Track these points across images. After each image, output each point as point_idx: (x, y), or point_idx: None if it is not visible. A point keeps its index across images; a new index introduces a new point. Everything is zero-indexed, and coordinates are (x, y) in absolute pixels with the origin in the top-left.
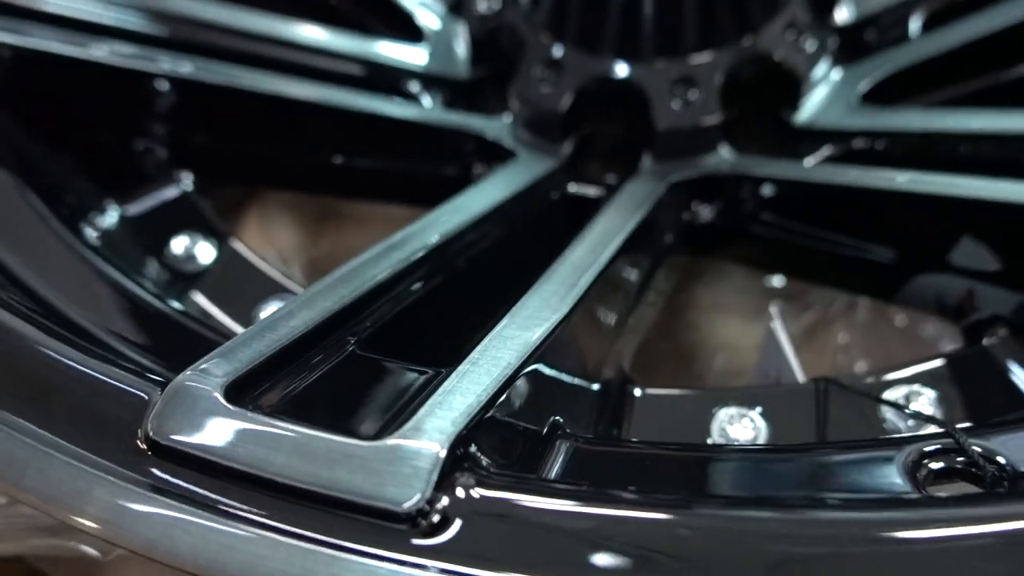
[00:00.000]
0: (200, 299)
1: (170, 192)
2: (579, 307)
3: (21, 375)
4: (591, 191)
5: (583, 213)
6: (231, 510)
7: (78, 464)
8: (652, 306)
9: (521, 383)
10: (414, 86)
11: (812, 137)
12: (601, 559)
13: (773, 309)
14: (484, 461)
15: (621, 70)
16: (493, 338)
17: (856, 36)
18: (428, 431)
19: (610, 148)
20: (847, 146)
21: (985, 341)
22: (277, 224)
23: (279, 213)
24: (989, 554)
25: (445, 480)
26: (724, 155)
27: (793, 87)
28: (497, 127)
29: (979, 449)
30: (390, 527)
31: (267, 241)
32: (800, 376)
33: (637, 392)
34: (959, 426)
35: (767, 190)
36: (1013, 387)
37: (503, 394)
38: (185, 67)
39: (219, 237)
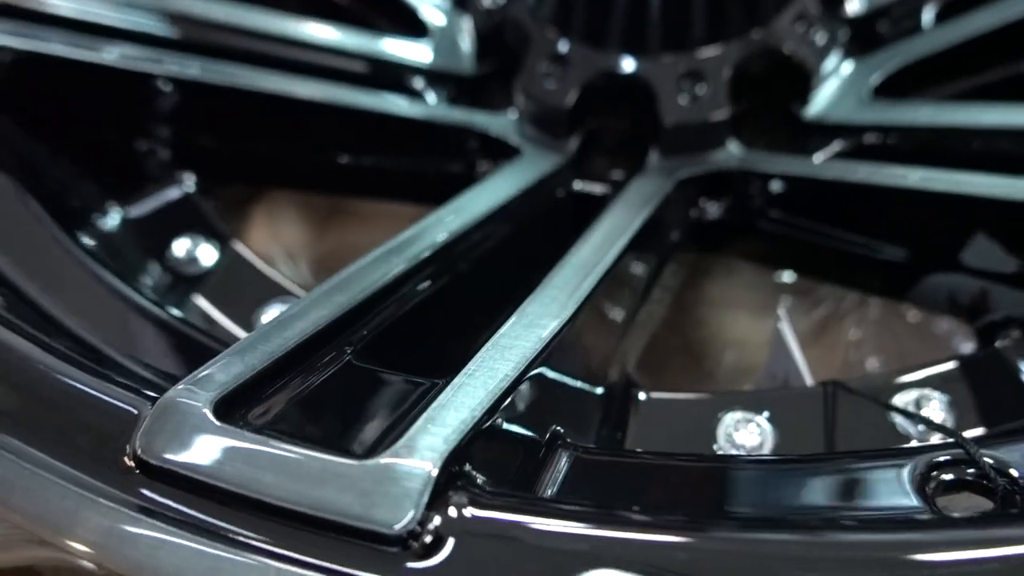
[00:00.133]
0: (202, 302)
1: (172, 193)
2: (581, 312)
3: (9, 390)
4: (597, 188)
5: (589, 211)
6: (219, 532)
7: (65, 484)
8: (659, 303)
9: (519, 393)
10: (418, 82)
11: (822, 132)
12: None
13: (781, 310)
14: (479, 478)
15: (627, 65)
16: (491, 347)
17: (868, 28)
18: (420, 449)
19: (617, 144)
20: (858, 141)
21: (998, 343)
22: (284, 221)
23: (286, 210)
24: None
25: (438, 499)
26: (732, 150)
27: (803, 81)
28: (502, 123)
29: (990, 461)
30: (381, 550)
31: (274, 238)
32: (808, 378)
33: (641, 396)
34: (970, 434)
35: (776, 186)
36: None
37: (499, 407)
38: (187, 68)
39: (221, 239)
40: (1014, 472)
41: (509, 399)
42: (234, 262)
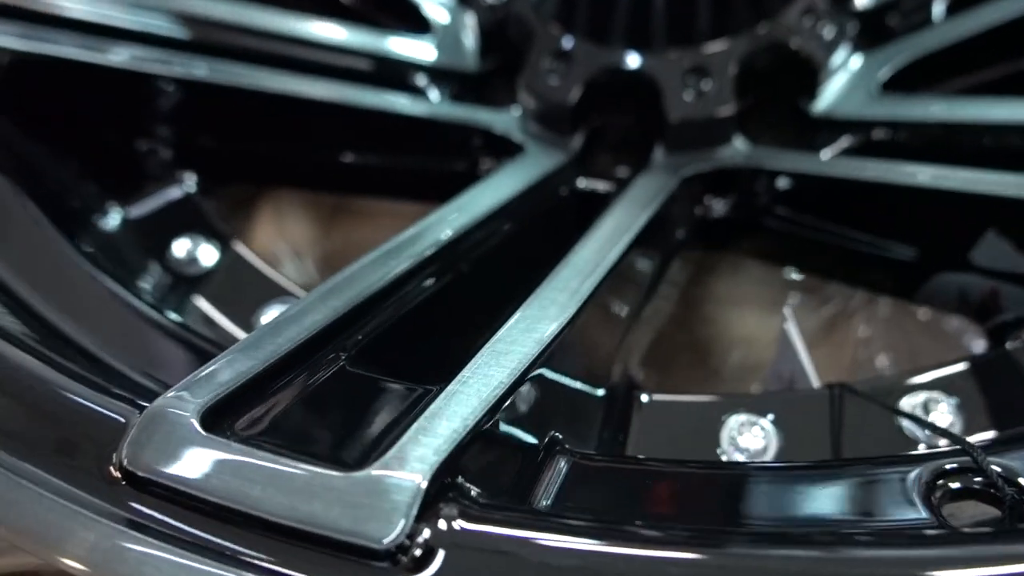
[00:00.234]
0: (202, 303)
1: (173, 193)
2: (581, 314)
3: None
4: (601, 186)
5: (593, 208)
6: (205, 545)
7: (51, 496)
8: (665, 300)
9: (516, 398)
10: (421, 80)
11: (830, 127)
12: None
13: (787, 310)
14: (471, 490)
15: (632, 61)
16: (486, 353)
17: (877, 21)
18: (410, 460)
19: (621, 141)
20: (866, 137)
21: (1009, 345)
22: (290, 219)
23: (292, 208)
24: None
25: (428, 512)
26: (738, 147)
27: (811, 76)
28: (505, 121)
29: (999, 469)
30: (370, 564)
31: (280, 236)
32: (814, 379)
33: (644, 398)
34: (979, 438)
35: (783, 183)
36: None
37: (494, 415)
38: (188, 67)
39: (222, 239)
40: (1023, 481)
41: (504, 406)
42: (234, 262)
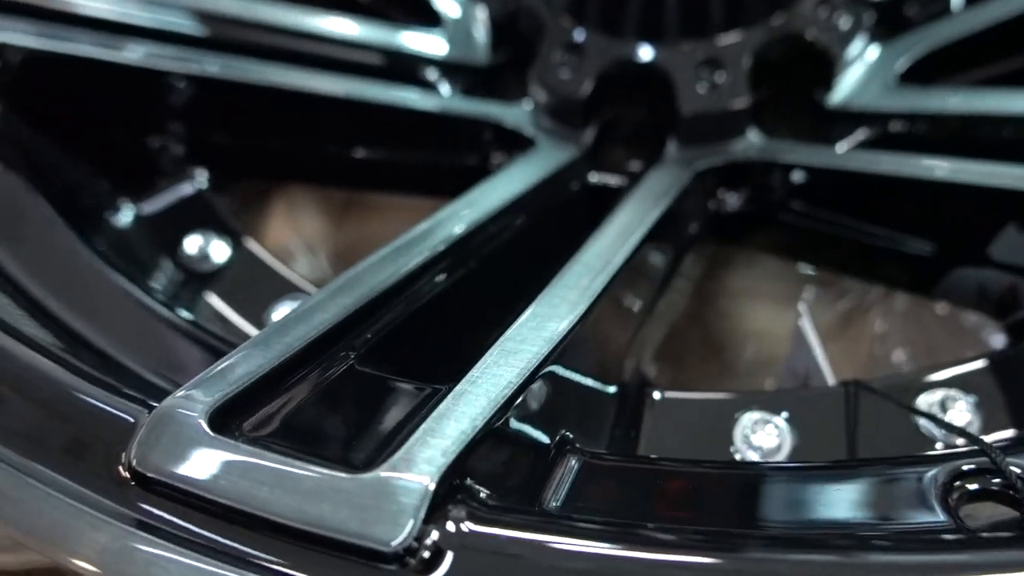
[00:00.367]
0: (214, 300)
1: (185, 190)
2: (592, 311)
3: (6, 397)
4: (613, 180)
5: (605, 203)
6: (213, 547)
7: (60, 496)
8: (678, 295)
9: (526, 397)
10: (432, 74)
11: (846, 119)
12: None
13: (802, 305)
14: (480, 491)
15: (644, 53)
16: (495, 352)
17: (894, 11)
18: (417, 462)
19: (633, 134)
20: (883, 129)
21: None
22: (303, 213)
23: (305, 202)
24: None
25: (436, 514)
26: (752, 140)
27: (826, 67)
28: (516, 114)
29: (1017, 470)
30: (378, 567)
31: (293, 230)
32: (829, 376)
33: (656, 395)
34: (998, 437)
35: (797, 177)
36: None
37: (503, 415)
38: (201, 64)
39: (233, 235)
40: None
41: (514, 406)
42: (246, 259)
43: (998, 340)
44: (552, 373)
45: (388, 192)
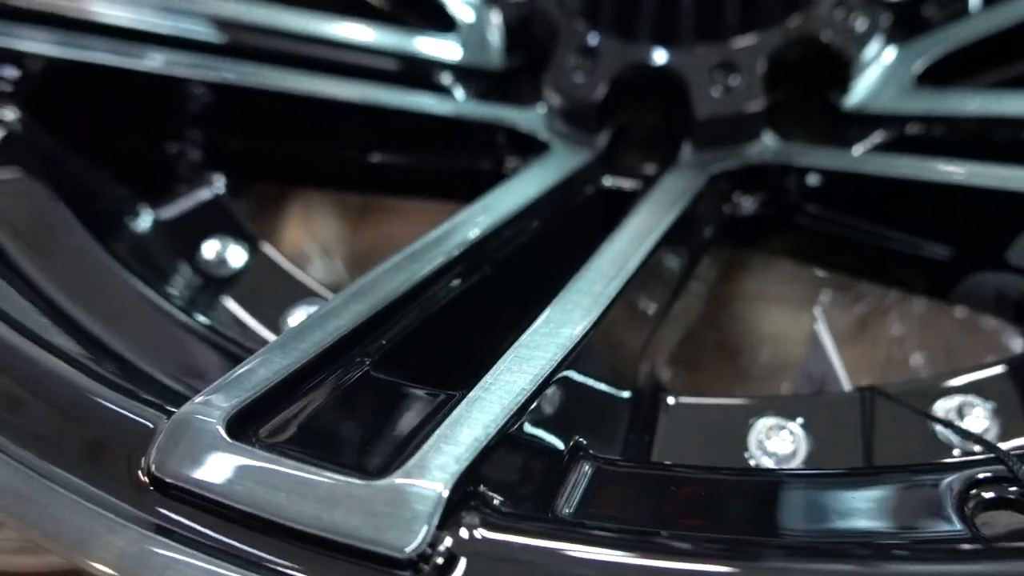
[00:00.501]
0: (231, 304)
1: (203, 195)
2: (606, 317)
3: (26, 402)
4: (627, 184)
5: (619, 207)
6: (230, 552)
7: (81, 500)
8: (692, 299)
9: (539, 404)
10: (446, 78)
11: (862, 122)
12: None
13: (817, 310)
14: (493, 498)
15: (659, 56)
16: (509, 358)
17: (911, 12)
18: (431, 469)
19: (648, 138)
20: (900, 131)
21: None
22: (319, 217)
23: (321, 205)
24: None
25: (449, 520)
26: (768, 143)
27: (842, 69)
28: (531, 119)
29: None
30: (392, 573)
31: (309, 233)
32: (845, 381)
33: (670, 400)
34: (1016, 444)
35: (813, 180)
36: None
37: (516, 422)
38: (218, 71)
39: (250, 240)
40: None
41: (527, 412)
42: (263, 264)
43: (1018, 344)
44: (566, 379)
45: (403, 197)
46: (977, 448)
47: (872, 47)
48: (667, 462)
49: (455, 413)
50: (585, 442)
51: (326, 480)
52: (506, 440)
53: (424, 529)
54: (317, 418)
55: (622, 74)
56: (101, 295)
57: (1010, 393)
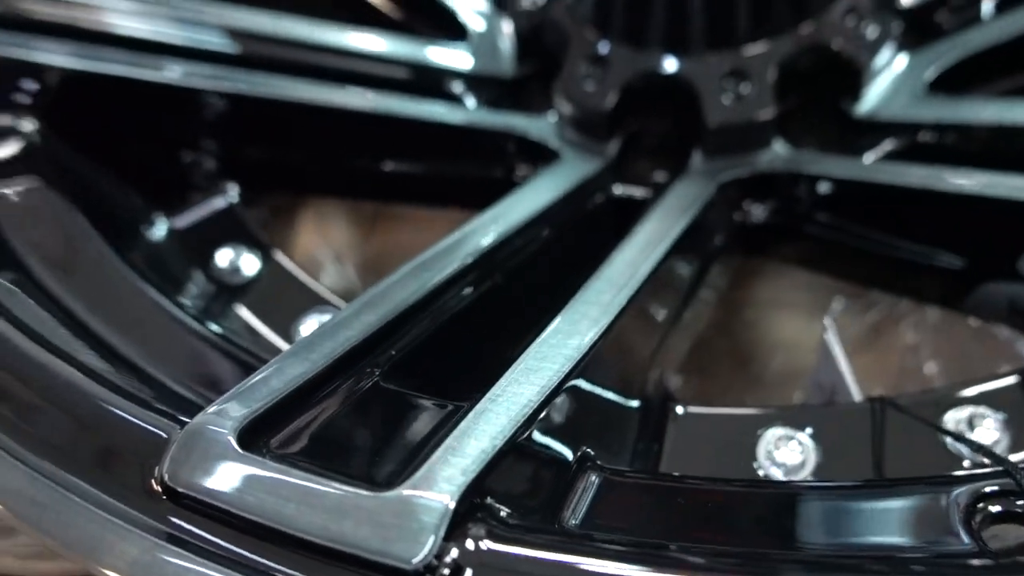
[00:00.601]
0: (244, 312)
1: (217, 204)
2: (613, 328)
3: (43, 411)
4: (638, 192)
5: (629, 215)
6: (240, 560)
7: (95, 509)
8: (703, 307)
9: (547, 414)
10: (458, 87)
11: (874, 130)
12: None
13: (827, 320)
14: (500, 509)
15: (669, 65)
16: (516, 370)
17: (923, 19)
18: (438, 481)
19: (658, 146)
20: (911, 140)
21: None
22: (332, 223)
23: (334, 213)
24: None
25: (456, 531)
26: (778, 150)
27: (853, 77)
28: (541, 127)
29: None
30: None
31: (323, 240)
32: (855, 391)
33: (679, 410)
34: None
35: (824, 188)
36: None
37: (523, 433)
38: (233, 81)
39: (263, 249)
40: None
41: (534, 424)
42: (275, 272)
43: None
44: (573, 390)
45: (415, 205)
46: (987, 460)
47: (883, 54)
48: (675, 473)
49: (462, 425)
50: (593, 452)
51: (335, 491)
52: (513, 451)
53: (431, 540)
54: (327, 429)
55: (632, 82)
56: (117, 304)
57: (1021, 404)
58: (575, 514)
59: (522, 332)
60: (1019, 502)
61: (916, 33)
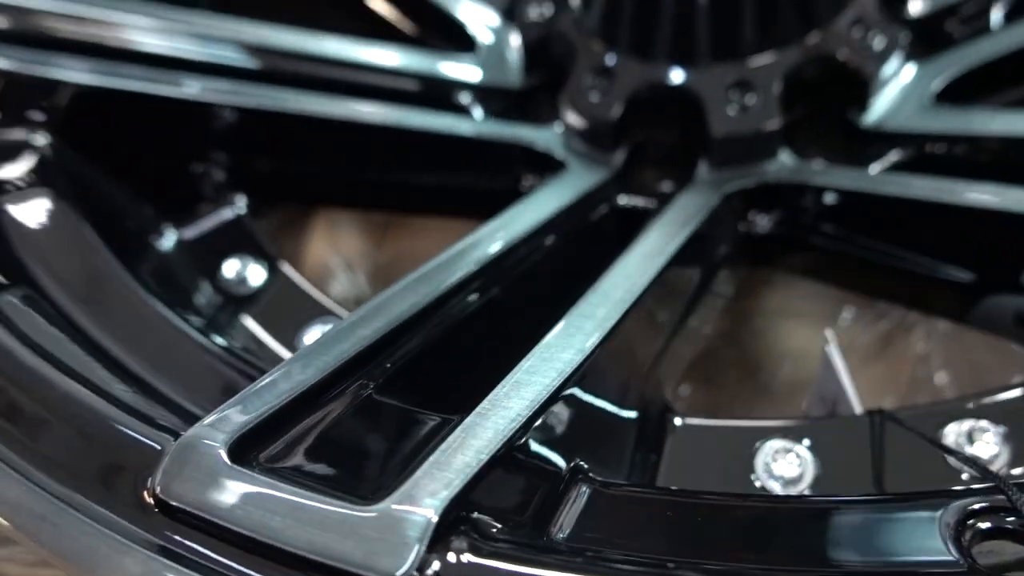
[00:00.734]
0: (249, 323)
1: (225, 215)
2: (608, 341)
3: (38, 421)
4: (643, 202)
5: (634, 226)
6: (230, 573)
7: (90, 521)
8: (710, 311)
9: (539, 426)
10: (466, 98)
11: (880, 140)
12: None
13: (829, 331)
14: (485, 523)
15: (675, 76)
16: (507, 384)
17: (930, 29)
18: (422, 495)
19: (664, 156)
20: (919, 150)
21: None
22: (343, 232)
23: (346, 221)
24: None
25: (438, 545)
26: (784, 161)
27: (860, 87)
28: (547, 137)
29: None
30: None
31: (334, 249)
32: (856, 403)
33: (677, 422)
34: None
35: (829, 199)
36: None
37: (511, 447)
38: (243, 95)
39: (270, 260)
40: None
41: (522, 438)
42: (281, 282)
43: None
44: (566, 402)
45: (422, 215)
46: (981, 479)
47: (891, 65)
48: (664, 486)
49: (450, 439)
50: (586, 465)
51: (321, 505)
52: (502, 465)
53: (412, 554)
54: (318, 442)
55: (638, 93)
56: (119, 315)
57: (1022, 417)
58: (563, 528)
59: (522, 344)
60: (1009, 518)
61: (924, 43)
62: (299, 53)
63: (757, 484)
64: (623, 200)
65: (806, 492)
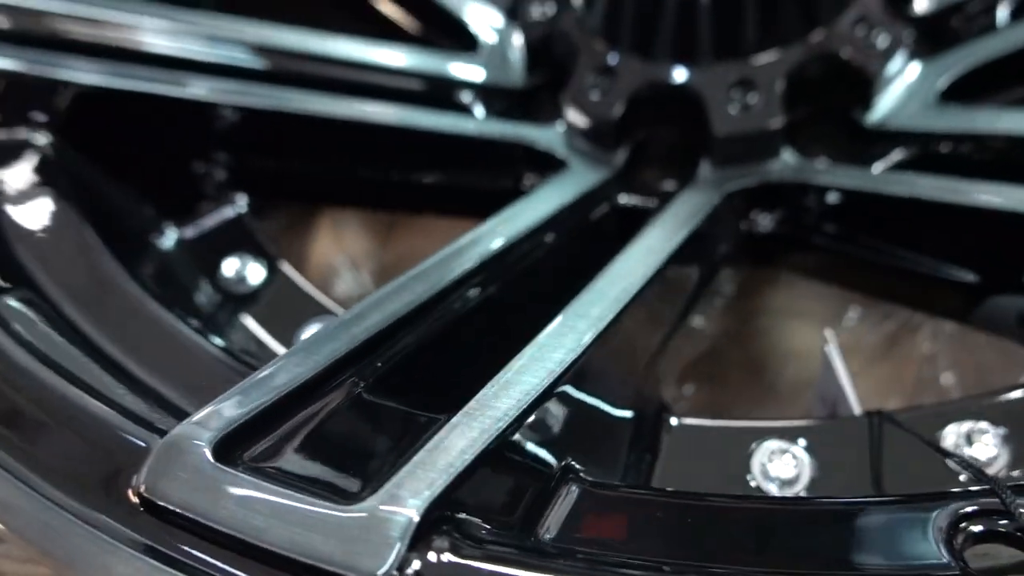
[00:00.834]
0: (248, 321)
1: (226, 214)
2: (600, 340)
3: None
4: (644, 201)
5: (635, 225)
6: (212, 572)
7: (77, 520)
8: (718, 311)
9: (525, 428)
10: (468, 97)
11: (884, 139)
12: None
13: (828, 332)
14: (467, 522)
15: (677, 75)
16: (495, 383)
17: (935, 27)
18: (403, 495)
19: (666, 155)
20: (923, 149)
21: None
22: (348, 231)
23: (350, 220)
24: None
25: (419, 544)
26: (787, 160)
27: (863, 86)
28: (549, 136)
29: None
30: None
31: (338, 248)
32: (856, 407)
33: (673, 422)
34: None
35: (832, 198)
36: None
37: (497, 446)
38: (246, 95)
39: (269, 259)
40: None
41: (509, 437)
42: (280, 281)
43: None
44: (557, 401)
45: (424, 214)
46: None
47: (895, 63)
48: (659, 486)
49: (436, 438)
50: (578, 465)
51: (303, 505)
52: (489, 464)
53: (393, 553)
54: (305, 441)
55: (640, 92)
56: (115, 314)
57: (1022, 419)
58: (551, 528)
59: (518, 343)
60: (1002, 521)
61: (928, 41)
62: (301, 53)
63: (753, 485)
64: (624, 199)
65: (803, 493)
